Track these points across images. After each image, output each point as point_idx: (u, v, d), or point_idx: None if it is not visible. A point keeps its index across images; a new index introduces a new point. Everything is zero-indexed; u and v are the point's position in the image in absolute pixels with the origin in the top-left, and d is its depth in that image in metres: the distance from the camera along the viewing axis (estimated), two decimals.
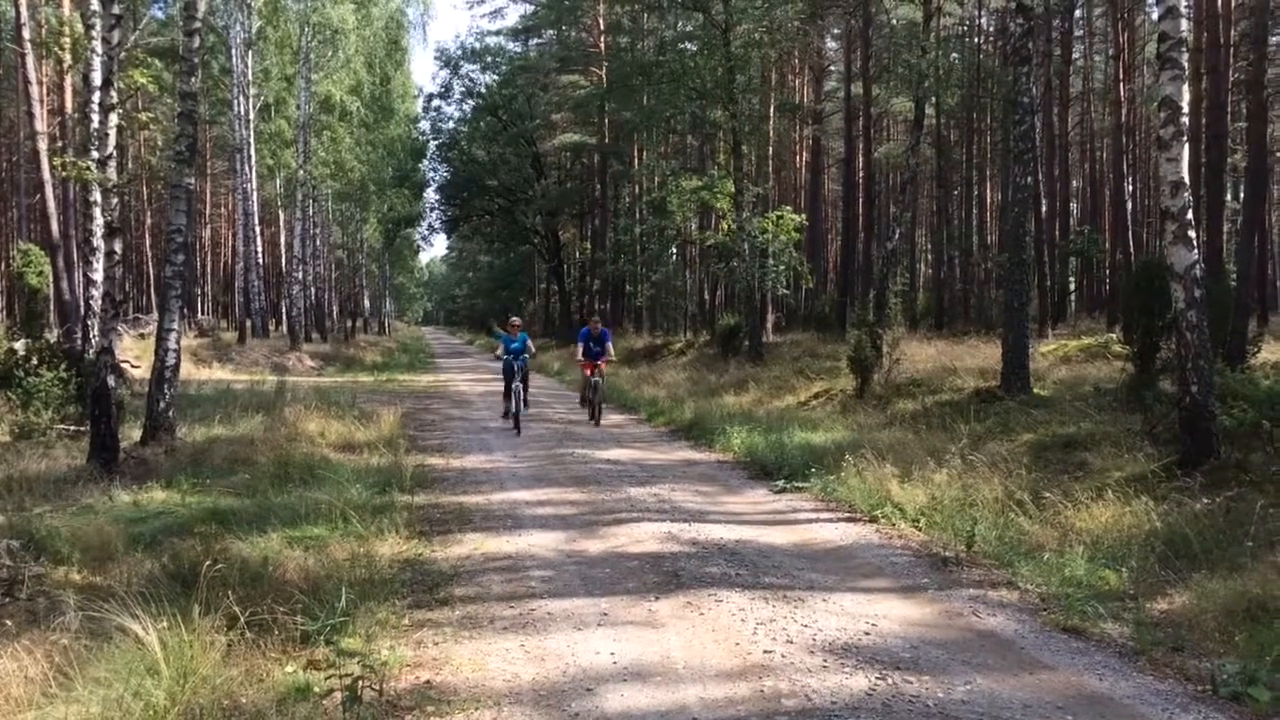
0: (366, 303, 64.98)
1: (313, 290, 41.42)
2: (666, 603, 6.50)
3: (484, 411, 19.00)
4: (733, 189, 27.88)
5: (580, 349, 16.98)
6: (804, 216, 31.59)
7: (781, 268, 28.68)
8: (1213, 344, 10.51)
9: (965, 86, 32.84)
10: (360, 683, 4.62)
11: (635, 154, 42.35)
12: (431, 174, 50.08)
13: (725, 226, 29.59)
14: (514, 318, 17.73)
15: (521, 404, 15.93)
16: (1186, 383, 9.58)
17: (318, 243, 43.30)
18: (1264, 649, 5.18)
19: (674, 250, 38.70)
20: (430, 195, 51.25)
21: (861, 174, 38.35)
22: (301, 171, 36.42)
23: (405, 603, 6.45)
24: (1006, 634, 5.93)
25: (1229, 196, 28.79)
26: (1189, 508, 7.80)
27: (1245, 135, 22.65)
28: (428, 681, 5.16)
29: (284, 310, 39.58)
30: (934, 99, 31.41)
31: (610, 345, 17.14)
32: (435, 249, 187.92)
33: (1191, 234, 10.00)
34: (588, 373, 16.93)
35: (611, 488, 10.69)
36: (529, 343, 16.37)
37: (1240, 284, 16.75)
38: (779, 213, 29.03)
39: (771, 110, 35.61)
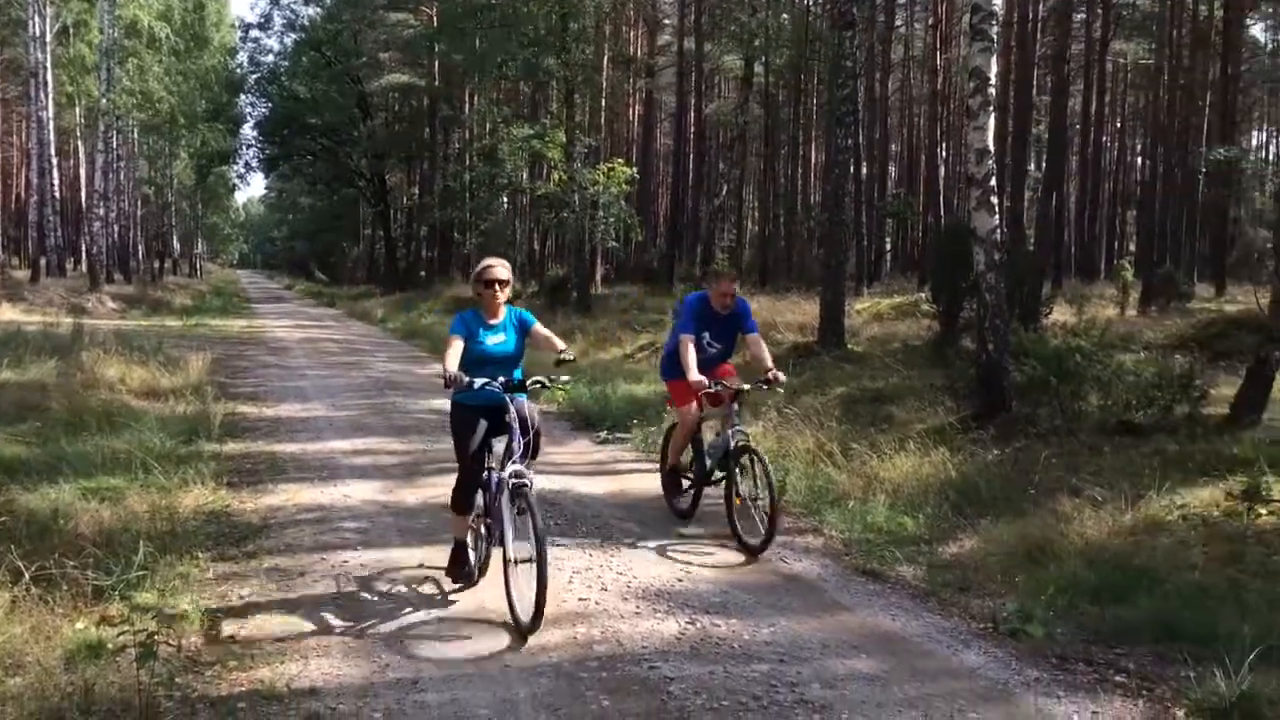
0: (176, 243, 61.68)
1: (116, 229, 38.95)
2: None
3: (302, 359, 18.37)
4: (564, 139, 27.68)
5: (679, 345, 6.92)
6: (635, 170, 31.68)
7: (612, 220, 28.71)
8: (1010, 305, 11.17)
9: (794, 48, 33.50)
10: (156, 638, 4.42)
11: (466, 99, 41.42)
12: (249, 109, 47.53)
13: (556, 177, 29.37)
14: (496, 266, 5.70)
15: (511, 533, 5.37)
16: (984, 341, 10.16)
17: (122, 177, 40.69)
18: (1039, 589, 5.58)
19: (504, 199, 38.13)
20: (247, 132, 48.67)
21: (692, 130, 38.74)
22: (105, 101, 34.00)
23: (209, 556, 6.21)
24: (810, 578, 6.19)
25: (1031, 166, 30.50)
26: (981, 458, 8.31)
27: (1049, 108, 23.99)
28: (231, 636, 5.00)
29: (84, 249, 37.09)
30: (764, 58, 31.95)
31: (759, 341, 7.16)
32: (253, 189, 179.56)
33: (994, 200, 10.55)
34: (693, 407, 7.16)
35: (434, 438, 10.53)
36: (539, 330, 5.81)
37: (1037, 249, 17.86)
38: (610, 165, 28.99)
39: (605, 61, 35.40)
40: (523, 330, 5.73)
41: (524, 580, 5.15)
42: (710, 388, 6.78)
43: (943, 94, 35.34)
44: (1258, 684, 4.19)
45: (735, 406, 6.91)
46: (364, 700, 4.35)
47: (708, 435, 7.48)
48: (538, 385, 5.62)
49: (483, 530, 5.82)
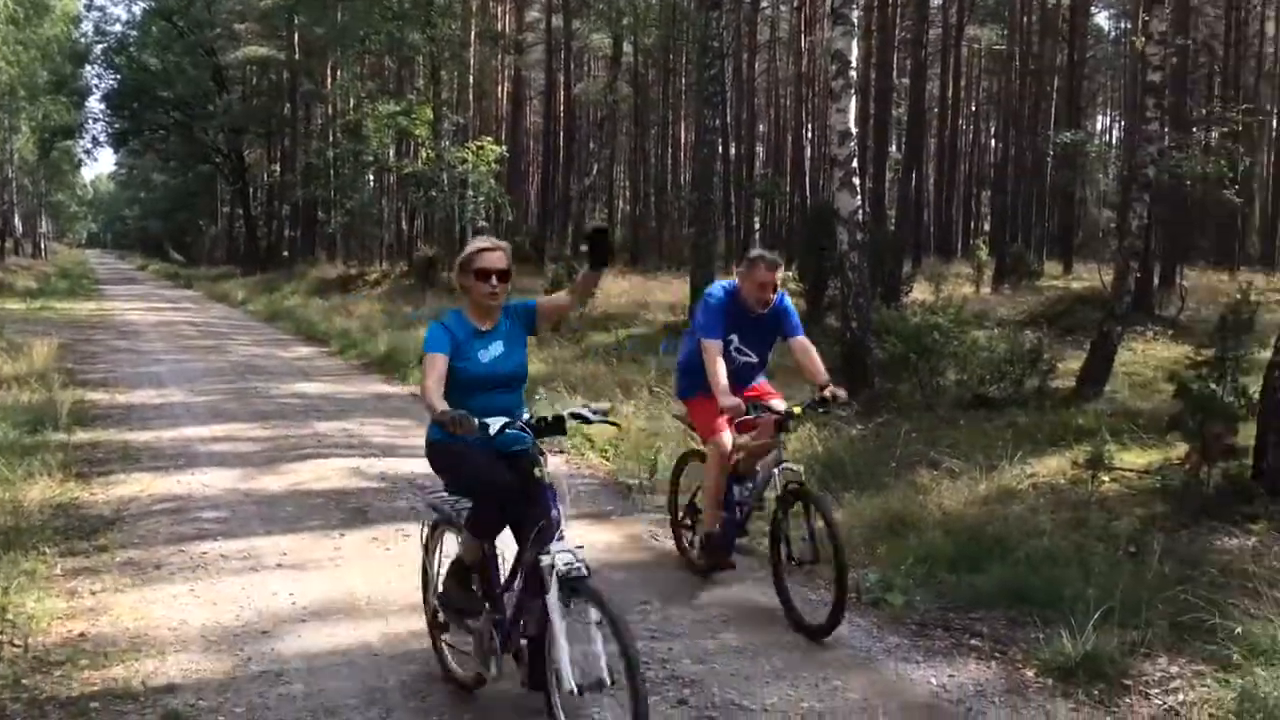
0: (18, 222, 58.13)
1: None
2: (352, 539, 6.36)
3: (157, 344, 17.62)
4: (431, 116, 27.21)
5: (703, 354, 5.33)
6: (505, 148, 31.34)
7: (481, 199, 28.34)
8: (872, 283, 11.51)
9: (662, 27, 33.63)
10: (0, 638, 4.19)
11: (328, 73, 40.20)
12: (96, 81, 45.25)
13: (424, 155, 28.86)
14: (493, 250, 4.06)
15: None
16: (848, 319, 10.44)
17: None
18: (900, 559, 5.77)
19: (370, 177, 37.26)
20: (94, 105, 46.35)
21: (562, 108, 38.52)
22: None
23: (57, 551, 5.91)
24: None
25: (892, 147, 31.38)
26: (846, 434, 8.54)
27: (908, 91, 24.69)
28: (82, 634, 4.77)
29: None
30: (632, 37, 31.98)
31: (809, 346, 5.48)
32: (102, 164, 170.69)
33: (856, 181, 10.83)
34: (728, 435, 5.41)
35: (297, 423, 10.27)
36: (545, 303, 4.38)
37: (898, 228, 18.41)
38: (480, 143, 28.61)
39: (473, 37, 34.84)
40: (528, 323, 4.21)
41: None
42: (747, 413, 5.14)
43: (808, 76, 36.01)
44: (1100, 643, 4.42)
45: (781, 436, 5.25)
46: (225, 695, 4.21)
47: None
48: (580, 420, 3.96)
49: (490, 634, 4.00)
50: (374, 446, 9.21)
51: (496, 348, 4.08)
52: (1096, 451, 7.07)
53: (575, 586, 3.57)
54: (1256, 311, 7.23)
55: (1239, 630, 4.38)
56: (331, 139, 38.36)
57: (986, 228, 43.43)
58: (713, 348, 5.26)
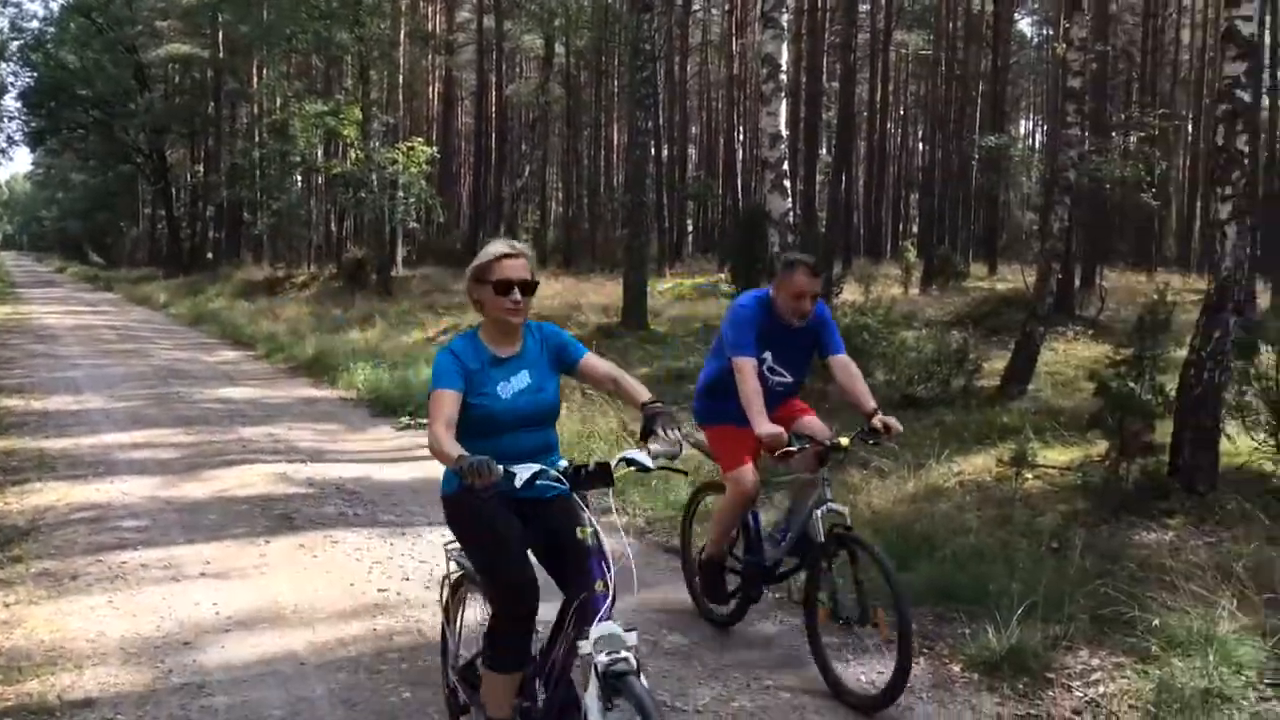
0: None
1: None
2: (278, 546, 6.24)
3: (75, 348, 17.13)
4: (360, 116, 26.89)
5: (736, 374, 4.50)
6: (436, 149, 31.08)
7: (412, 200, 28.12)
8: None
9: (594, 29, 33.63)
10: None
11: (254, 72, 39.51)
12: (11, 79, 43.92)
13: (353, 155, 28.49)
14: (512, 256, 3.31)
15: None
16: None
17: None
18: None
19: (298, 177, 36.62)
20: (9, 103, 44.98)
21: (494, 109, 38.30)
22: None
23: None
24: (616, 558, 6.24)
25: (823, 150, 31.74)
26: None
27: (838, 94, 25.01)
28: None
29: None
30: (565, 39, 31.91)
31: (850, 365, 4.72)
32: (17, 164, 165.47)
33: (787, 183, 10.93)
34: (750, 471, 4.65)
35: (222, 429, 10.05)
36: (595, 365, 3.50)
37: (829, 230, 18.61)
38: (410, 144, 28.34)
39: (402, 37, 34.47)
40: (558, 361, 3.45)
41: None
42: (791, 445, 4.31)
43: (739, 79, 36.29)
44: (1024, 637, 4.50)
45: (824, 471, 4.47)
46: (145, 709, 4.09)
47: (769, 513, 5.30)
48: (636, 466, 3.13)
49: None
50: (301, 451, 9.05)
51: (521, 378, 3.33)
52: (1020, 449, 7.20)
53: (618, 686, 2.85)
54: (1173, 312, 7.42)
55: (1157, 623, 4.50)
56: (257, 139, 37.68)
57: (915, 230, 44.13)
58: (746, 366, 4.48)
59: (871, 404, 4.54)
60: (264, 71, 38.76)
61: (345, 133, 29.05)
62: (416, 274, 29.63)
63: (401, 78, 36.01)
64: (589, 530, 3.04)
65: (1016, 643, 4.46)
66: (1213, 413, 6.89)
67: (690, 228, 39.92)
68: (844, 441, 4.41)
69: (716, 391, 4.75)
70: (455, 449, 3.01)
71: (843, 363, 4.65)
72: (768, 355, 4.61)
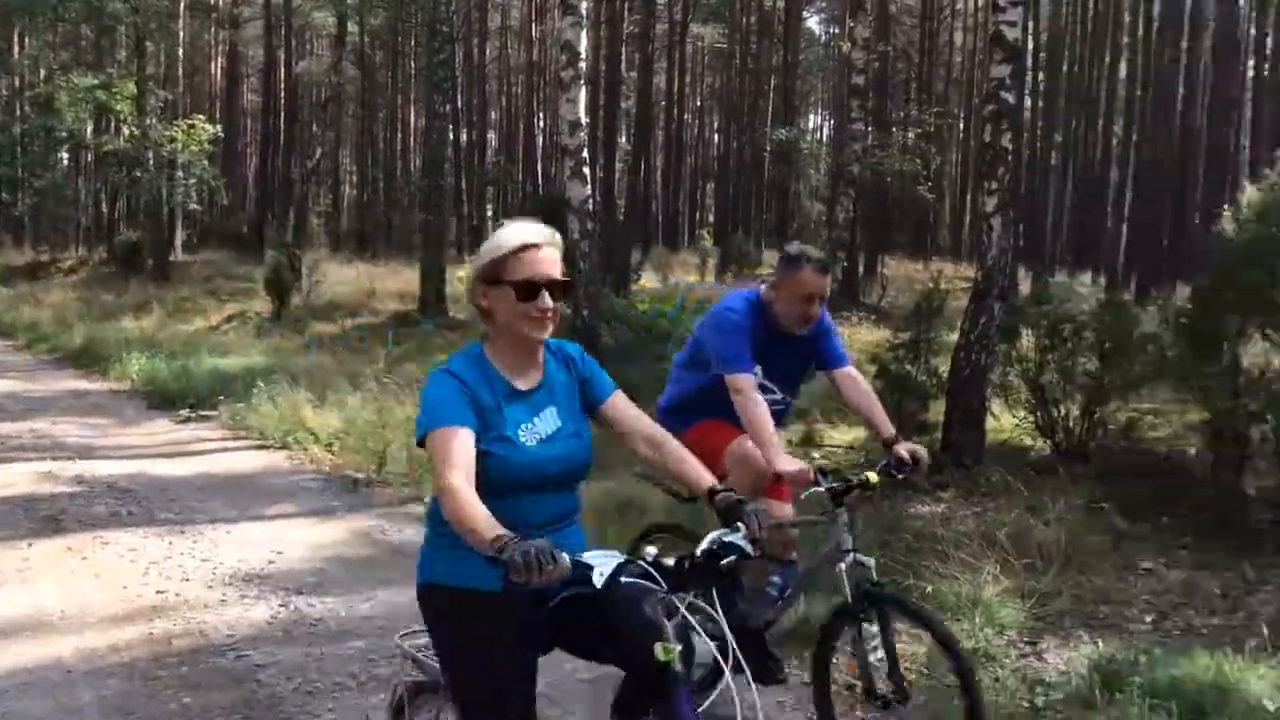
0: None
1: None
2: (42, 550, 5.80)
3: None
4: (135, 91, 25.30)
5: (737, 396, 3.60)
6: (219, 127, 29.53)
7: (193, 181, 26.69)
8: (603, 271, 11.71)
9: (390, 8, 32.74)
10: None
11: (15, 41, 36.43)
12: None
13: (127, 132, 26.74)
14: (539, 244, 2.28)
15: None
16: (579, 307, 10.57)
17: None
18: (626, 540, 5.89)
19: (64, 154, 34.06)
20: None
21: (283, 87, 36.70)
22: None
23: None
24: (412, 548, 6.11)
25: (622, 138, 32.08)
26: None
27: (637, 84, 25.32)
28: None
29: None
30: (359, 18, 30.94)
31: (859, 380, 3.92)
32: None
33: (587, 170, 10.99)
34: (773, 500, 3.73)
35: None
36: (622, 411, 2.54)
37: (628, 218, 18.83)
38: (191, 121, 26.86)
39: (182, 8, 32.63)
40: (584, 397, 2.49)
41: None
42: (819, 484, 3.41)
43: (539, 65, 36.18)
44: (808, 610, 4.68)
45: (843, 513, 3.42)
46: None
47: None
48: (736, 555, 2.26)
49: None
50: (68, 448, 8.44)
51: (548, 420, 2.36)
52: (807, 429, 7.52)
53: None
54: (946, 298, 7.92)
55: (930, 589, 4.78)
56: (19, 113, 34.81)
57: (711, 218, 45.25)
58: (746, 384, 3.63)
59: (890, 430, 3.76)
60: (26, 40, 35.81)
61: (118, 108, 27.27)
62: (198, 259, 28.17)
63: (181, 51, 34.11)
64: (673, 650, 2.03)
65: (802, 614, 4.64)
66: (979, 392, 7.38)
67: (490, 213, 39.50)
68: (872, 478, 3.49)
69: (684, 408, 3.96)
70: (490, 522, 2.01)
71: (850, 377, 3.88)
72: (758, 369, 3.77)
